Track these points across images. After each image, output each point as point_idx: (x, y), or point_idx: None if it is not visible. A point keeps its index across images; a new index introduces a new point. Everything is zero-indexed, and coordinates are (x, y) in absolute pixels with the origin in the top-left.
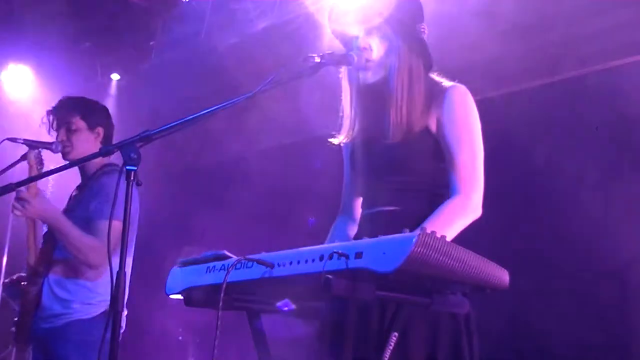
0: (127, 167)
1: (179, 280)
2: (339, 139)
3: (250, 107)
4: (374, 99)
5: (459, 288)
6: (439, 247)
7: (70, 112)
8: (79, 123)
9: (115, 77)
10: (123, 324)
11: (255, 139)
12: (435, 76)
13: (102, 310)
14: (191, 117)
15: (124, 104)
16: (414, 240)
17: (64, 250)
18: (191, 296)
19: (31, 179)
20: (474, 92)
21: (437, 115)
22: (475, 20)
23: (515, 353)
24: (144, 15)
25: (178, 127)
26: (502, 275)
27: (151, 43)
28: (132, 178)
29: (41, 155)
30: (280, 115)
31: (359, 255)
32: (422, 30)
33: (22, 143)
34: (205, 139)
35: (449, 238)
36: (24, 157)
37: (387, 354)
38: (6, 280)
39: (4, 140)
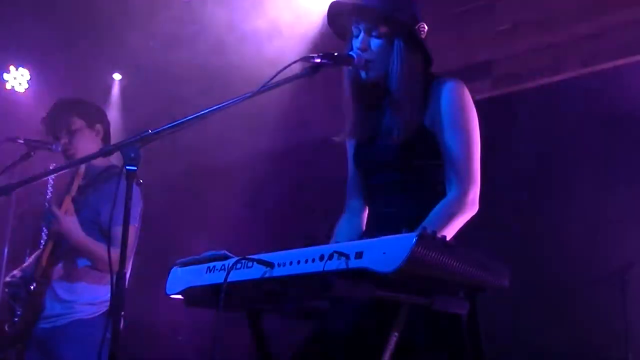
0: (127, 167)
1: (179, 280)
2: (340, 138)
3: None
4: (374, 98)
5: (459, 288)
6: (439, 247)
7: (67, 113)
8: (78, 122)
9: (117, 77)
10: (121, 324)
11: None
12: (433, 73)
13: (103, 310)
14: (191, 117)
15: (128, 103)
16: (414, 240)
17: (69, 254)
18: (191, 296)
19: (30, 179)
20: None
21: (433, 110)
22: None
23: (515, 353)
24: (144, 16)
25: (178, 127)
26: (502, 275)
27: (151, 43)
28: (132, 178)
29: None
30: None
31: (359, 255)
32: (422, 29)
33: (22, 143)
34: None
35: (448, 236)
36: (24, 157)
37: (387, 354)
38: (8, 279)
39: (4, 140)
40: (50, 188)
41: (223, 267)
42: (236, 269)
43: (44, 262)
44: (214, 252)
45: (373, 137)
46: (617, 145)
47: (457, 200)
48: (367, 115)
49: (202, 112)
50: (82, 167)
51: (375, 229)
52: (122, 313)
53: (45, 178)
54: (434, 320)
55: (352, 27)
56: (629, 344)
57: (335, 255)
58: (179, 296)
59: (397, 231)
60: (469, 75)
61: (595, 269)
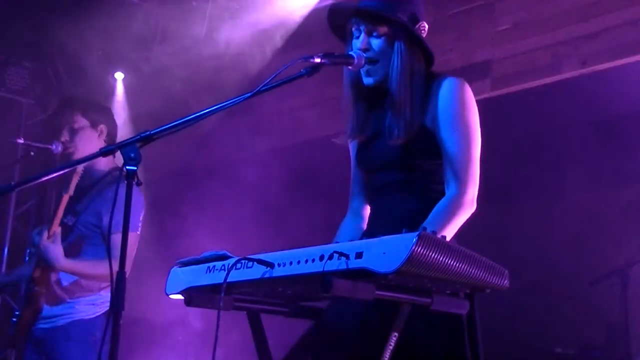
0: (127, 167)
1: (179, 280)
2: (342, 140)
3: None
4: (375, 98)
5: (459, 288)
6: (439, 247)
7: (71, 110)
8: (80, 121)
9: (119, 75)
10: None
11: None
12: (434, 73)
13: (103, 310)
14: (191, 116)
15: (134, 101)
16: (414, 240)
17: (67, 255)
18: (191, 296)
19: (31, 179)
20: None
21: (433, 109)
22: None
23: (515, 353)
24: (144, 15)
25: (178, 127)
26: (503, 276)
27: (150, 43)
28: (132, 178)
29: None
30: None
31: (359, 255)
32: (423, 28)
33: (22, 143)
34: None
35: (449, 236)
36: (24, 157)
37: (387, 354)
38: (6, 277)
39: (5, 140)
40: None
41: (223, 267)
42: (236, 269)
43: (42, 263)
44: (214, 252)
45: (374, 137)
46: (617, 144)
47: (456, 200)
48: (368, 115)
49: (202, 112)
50: (81, 166)
51: (377, 228)
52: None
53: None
54: (434, 320)
55: (353, 29)
56: (629, 343)
57: (335, 256)
58: (179, 296)
59: (398, 231)
60: (469, 75)
61: (595, 269)
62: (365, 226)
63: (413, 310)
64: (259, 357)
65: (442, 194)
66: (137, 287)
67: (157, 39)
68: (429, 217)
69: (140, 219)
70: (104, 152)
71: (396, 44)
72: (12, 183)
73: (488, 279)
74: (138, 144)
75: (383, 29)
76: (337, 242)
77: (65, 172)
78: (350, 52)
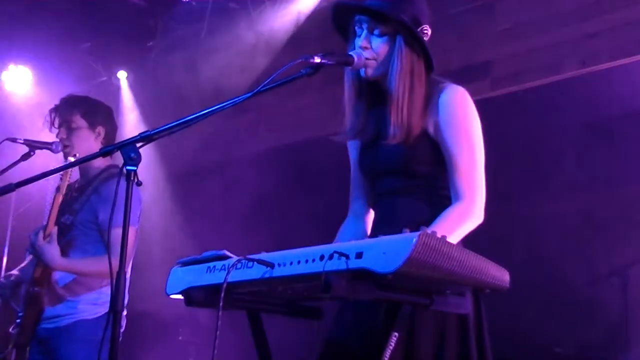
0: (127, 168)
1: (179, 280)
2: (341, 139)
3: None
4: (375, 98)
5: (459, 288)
6: (439, 247)
7: (71, 110)
8: (79, 121)
9: (122, 74)
10: (123, 324)
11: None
12: (436, 77)
13: (106, 310)
14: (191, 116)
15: (140, 98)
16: (414, 240)
17: (68, 254)
18: (191, 296)
19: (31, 179)
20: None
21: (435, 117)
22: None
23: (515, 352)
24: (144, 15)
25: (178, 127)
26: (503, 276)
27: (151, 43)
28: (132, 178)
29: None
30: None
31: (359, 255)
32: (425, 31)
33: (22, 143)
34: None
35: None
36: (24, 157)
37: (387, 354)
38: (2, 280)
39: (4, 140)
40: (51, 188)
41: (223, 267)
42: (236, 269)
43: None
44: (214, 252)
45: (376, 140)
46: (618, 144)
47: (465, 210)
48: (369, 115)
49: (202, 112)
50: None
51: (380, 233)
52: (125, 313)
53: (45, 178)
54: (440, 321)
55: (355, 27)
56: (629, 343)
57: (335, 256)
58: (179, 296)
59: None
60: (469, 75)
61: (595, 269)
62: (367, 229)
63: (419, 310)
64: (259, 357)
65: (447, 199)
66: (137, 287)
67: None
68: (435, 222)
69: (139, 213)
70: (104, 152)
71: (397, 44)
72: (12, 183)
73: (488, 279)
74: (138, 144)
75: (385, 28)
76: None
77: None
78: (350, 52)
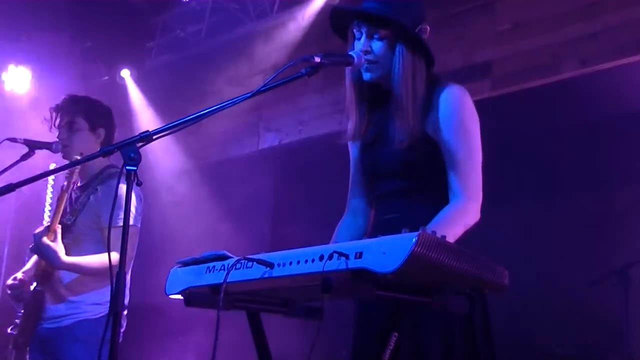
0: (127, 168)
1: (178, 280)
2: (344, 139)
3: None
4: (376, 99)
5: (459, 288)
6: (439, 247)
7: (73, 111)
8: (81, 123)
9: (126, 73)
10: (123, 324)
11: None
12: (436, 76)
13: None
14: (191, 116)
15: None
16: (414, 240)
17: (69, 254)
18: (191, 296)
19: (31, 180)
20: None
21: (434, 117)
22: None
23: (515, 353)
24: (144, 15)
25: (178, 126)
26: (502, 275)
27: (151, 43)
28: (132, 178)
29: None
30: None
31: (359, 255)
32: (424, 30)
33: (22, 143)
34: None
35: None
36: (24, 157)
37: (387, 354)
38: (9, 282)
39: (4, 140)
40: (50, 188)
41: (223, 267)
42: (236, 269)
43: (43, 262)
44: (213, 252)
45: (378, 141)
46: (618, 144)
47: (461, 208)
48: (370, 117)
49: (202, 112)
50: (79, 166)
51: (380, 234)
52: (125, 313)
53: (45, 178)
54: (446, 321)
55: (354, 30)
56: (629, 343)
57: (335, 256)
58: (179, 296)
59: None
60: (469, 75)
61: (595, 269)
62: (365, 227)
63: (421, 313)
64: (259, 357)
65: (445, 199)
66: (137, 286)
67: None
68: (432, 220)
69: (140, 212)
70: (105, 153)
71: (397, 47)
72: (12, 183)
73: (488, 279)
74: (138, 144)
75: (384, 32)
76: (336, 242)
77: (64, 172)
78: (350, 52)
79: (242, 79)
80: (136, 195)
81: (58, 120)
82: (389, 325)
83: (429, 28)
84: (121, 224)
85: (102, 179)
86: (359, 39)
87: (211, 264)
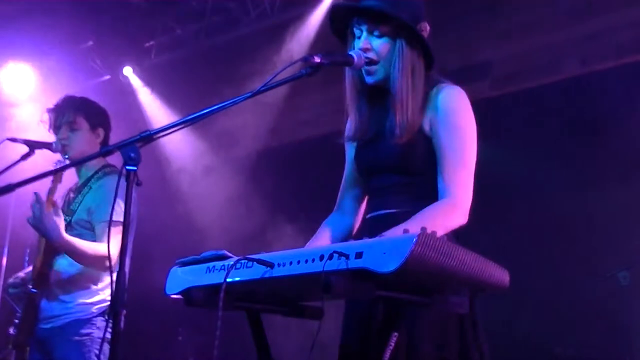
0: (127, 168)
1: (178, 280)
2: (344, 138)
3: None
4: (376, 98)
5: (459, 288)
6: (439, 247)
7: (74, 111)
8: (82, 123)
9: (128, 70)
10: (122, 324)
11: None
12: (435, 75)
13: (101, 310)
14: (191, 116)
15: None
16: (414, 240)
17: (64, 255)
18: (191, 296)
19: (30, 180)
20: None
21: (431, 115)
22: None
23: (515, 353)
24: (144, 15)
25: (178, 126)
26: (502, 276)
27: (151, 43)
28: (132, 178)
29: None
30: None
31: (359, 255)
32: (424, 29)
33: (22, 143)
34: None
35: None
36: (24, 157)
37: (387, 354)
38: (11, 280)
39: (4, 140)
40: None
41: (223, 267)
42: (236, 269)
43: (38, 263)
44: (213, 252)
45: (375, 138)
46: (617, 144)
47: (446, 207)
48: (369, 115)
49: (202, 112)
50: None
51: (373, 229)
52: (125, 312)
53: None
54: (436, 320)
55: (354, 28)
56: (628, 343)
57: (335, 256)
58: (179, 296)
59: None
60: (468, 75)
61: (595, 269)
62: (353, 226)
63: (416, 310)
64: (259, 357)
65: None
66: (137, 286)
67: None
68: (418, 213)
69: (135, 213)
70: (105, 153)
71: (397, 44)
72: (12, 183)
73: (488, 279)
74: (138, 144)
75: (384, 29)
76: (317, 237)
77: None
78: (350, 52)
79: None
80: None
81: (58, 121)
82: (379, 323)
83: (429, 27)
84: (113, 218)
85: (97, 177)
86: (359, 37)
87: (211, 264)
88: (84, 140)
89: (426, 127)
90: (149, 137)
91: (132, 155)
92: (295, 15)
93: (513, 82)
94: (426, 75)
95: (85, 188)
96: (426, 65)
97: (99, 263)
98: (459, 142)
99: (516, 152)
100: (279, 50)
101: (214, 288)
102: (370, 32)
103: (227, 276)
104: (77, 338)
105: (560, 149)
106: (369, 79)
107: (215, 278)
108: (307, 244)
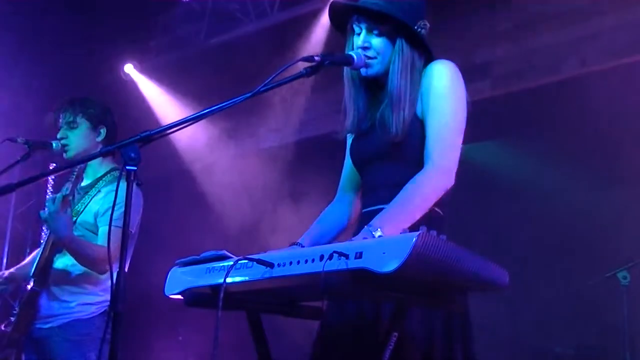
0: (127, 167)
1: (178, 280)
2: (342, 135)
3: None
4: (374, 94)
5: (458, 288)
6: (439, 247)
7: (73, 111)
8: (81, 122)
9: (129, 67)
10: (122, 324)
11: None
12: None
13: (101, 310)
14: (191, 117)
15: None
16: (413, 240)
17: (66, 255)
18: (191, 296)
19: (31, 180)
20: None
21: (422, 96)
22: None
23: (514, 353)
24: (144, 15)
25: (178, 126)
26: (502, 275)
27: (151, 43)
28: (132, 178)
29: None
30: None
31: (359, 255)
32: (424, 25)
33: (22, 143)
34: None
35: (419, 211)
36: (24, 157)
37: (387, 354)
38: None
39: (4, 140)
40: (50, 188)
41: (222, 268)
42: (236, 269)
43: (42, 260)
44: (213, 252)
45: (370, 129)
46: (617, 144)
47: (425, 173)
48: (367, 110)
49: (202, 112)
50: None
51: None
52: (125, 313)
53: (45, 178)
54: (427, 320)
55: (354, 25)
56: (628, 343)
57: (335, 256)
58: (179, 296)
59: None
60: (468, 75)
61: (595, 269)
62: (351, 214)
63: (410, 309)
64: (259, 357)
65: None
66: (137, 286)
67: None
68: (396, 196)
69: (139, 218)
70: (104, 153)
71: (397, 43)
72: (12, 183)
73: (488, 279)
74: (138, 144)
75: (384, 28)
76: (318, 225)
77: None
78: (350, 52)
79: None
80: (137, 203)
81: (59, 121)
82: (373, 323)
83: (429, 25)
84: (116, 224)
85: (107, 181)
86: (359, 34)
87: (211, 264)
88: (84, 140)
89: (418, 110)
90: (149, 137)
91: (132, 155)
92: (295, 16)
93: (513, 82)
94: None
95: (93, 190)
96: (425, 64)
97: (99, 266)
98: (443, 109)
99: (516, 152)
100: (284, 51)
101: (214, 288)
102: (369, 31)
103: (227, 276)
104: (76, 338)
105: (560, 149)
106: (364, 71)
107: (215, 278)
108: (305, 233)
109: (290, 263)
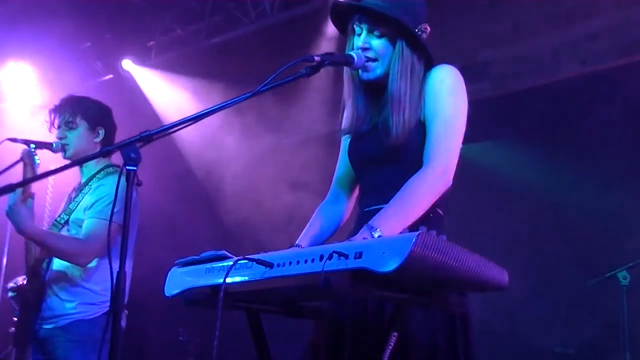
0: (127, 167)
1: (178, 280)
2: (339, 135)
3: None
4: (374, 95)
5: (458, 288)
6: (439, 247)
7: (72, 110)
8: (80, 122)
9: (128, 63)
10: (123, 324)
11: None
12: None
13: (104, 311)
14: (191, 117)
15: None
16: (413, 240)
17: None
18: (191, 297)
19: (31, 180)
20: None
21: (423, 99)
22: None
23: (515, 352)
24: (144, 15)
25: (178, 126)
26: (502, 275)
27: (151, 43)
28: (132, 178)
29: (33, 153)
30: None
31: (358, 255)
32: (424, 29)
33: (22, 143)
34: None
35: (417, 211)
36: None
37: (387, 354)
38: (12, 285)
39: (4, 140)
40: (50, 188)
41: (222, 268)
42: (235, 269)
43: (31, 260)
44: (213, 252)
45: (370, 131)
46: (617, 144)
47: (421, 174)
48: (366, 109)
49: (202, 112)
50: (26, 151)
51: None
52: (126, 312)
53: (45, 178)
54: (429, 319)
55: (354, 26)
56: (628, 344)
57: (335, 256)
58: (179, 297)
59: None
60: (468, 75)
61: (595, 269)
62: (345, 213)
63: (410, 309)
64: (259, 357)
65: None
66: (138, 287)
67: None
68: (394, 197)
69: (137, 209)
70: (104, 152)
71: (397, 45)
72: (12, 183)
73: (487, 279)
74: (138, 144)
75: (384, 29)
76: (315, 224)
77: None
78: (350, 52)
79: None
80: (133, 201)
81: (57, 121)
82: (374, 323)
83: (429, 28)
84: (103, 217)
85: (98, 178)
86: (359, 34)
87: (211, 264)
88: (83, 140)
89: (422, 117)
90: (149, 137)
91: (132, 155)
92: (295, 16)
93: (513, 82)
94: (425, 75)
95: (86, 187)
96: (425, 67)
97: (76, 258)
98: (443, 112)
99: (516, 152)
100: (284, 51)
101: (214, 288)
102: (370, 32)
103: (226, 276)
104: (79, 338)
105: (560, 149)
106: (365, 75)
107: (215, 278)
108: (302, 233)
109: (290, 263)
